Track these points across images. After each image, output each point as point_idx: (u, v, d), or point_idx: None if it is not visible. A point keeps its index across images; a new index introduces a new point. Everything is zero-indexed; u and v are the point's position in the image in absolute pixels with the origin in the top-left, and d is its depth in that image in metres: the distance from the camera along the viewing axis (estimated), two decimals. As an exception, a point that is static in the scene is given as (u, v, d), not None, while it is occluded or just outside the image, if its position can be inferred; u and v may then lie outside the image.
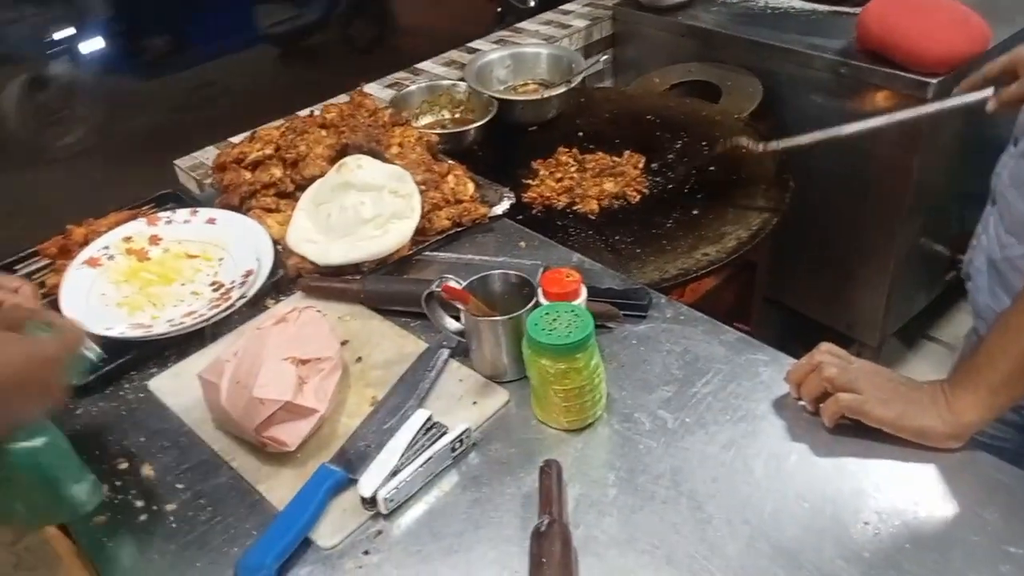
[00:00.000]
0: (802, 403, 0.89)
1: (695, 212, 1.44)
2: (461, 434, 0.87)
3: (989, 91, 1.15)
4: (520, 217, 1.43)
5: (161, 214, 1.25)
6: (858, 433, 0.85)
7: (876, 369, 0.87)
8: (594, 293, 1.07)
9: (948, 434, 0.81)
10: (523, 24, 2.15)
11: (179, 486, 0.88)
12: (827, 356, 0.87)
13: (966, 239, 1.21)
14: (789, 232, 1.80)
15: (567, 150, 1.61)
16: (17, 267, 1.22)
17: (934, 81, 1.62)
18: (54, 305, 1.07)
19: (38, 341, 0.73)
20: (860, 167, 1.82)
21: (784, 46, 1.81)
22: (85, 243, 1.20)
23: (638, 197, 1.48)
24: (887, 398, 0.82)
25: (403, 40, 4.69)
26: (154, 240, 1.21)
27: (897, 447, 0.84)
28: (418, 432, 0.87)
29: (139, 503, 0.87)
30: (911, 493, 0.80)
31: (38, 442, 0.72)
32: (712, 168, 1.55)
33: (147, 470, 0.90)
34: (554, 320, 0.87)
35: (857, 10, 1.76)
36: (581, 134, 1.70)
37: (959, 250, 1.81)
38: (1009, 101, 1.12)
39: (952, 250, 2.06)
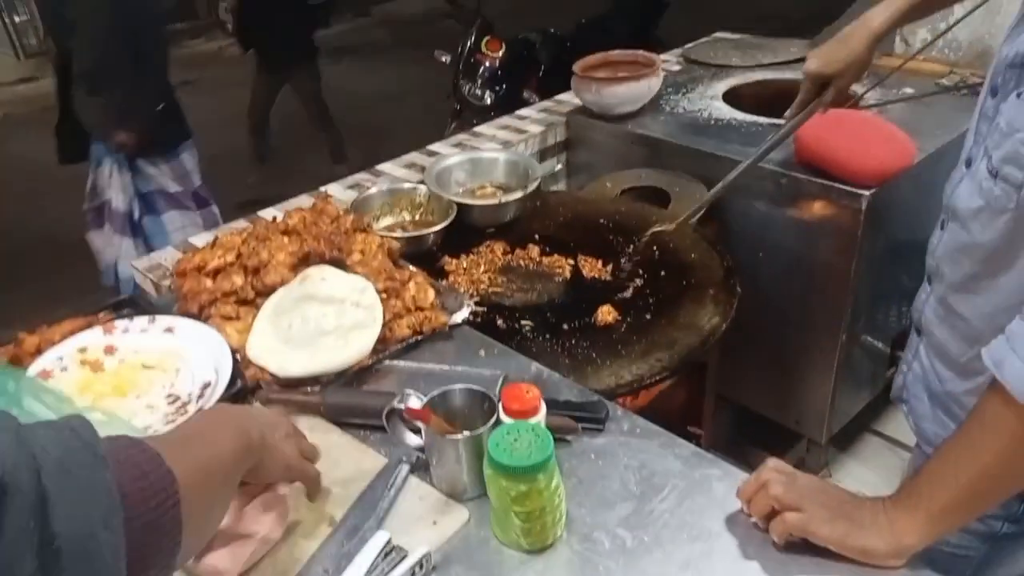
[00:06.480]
0: (753, 520, 0.92)
1: (648, 317, 1.49)
2: (421, 559, 0.86)
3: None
4: (478, 320, 1.46)
5: (118, 322, 1.25)
6: (809, 551, 0.87)
7: (822, 486, 0.90)
8: (553, 405, 1.09)
9: (889, 553, 0.84)
10: (481, 128, 2.23)
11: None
12: (773, 474, 0.90)
13: (905, 337, 1.26)
14: (738, 333, 1.86)
15: (523, 251, 1.67)
16: (-34, 378, 1.19)
17: (867, 193, 1.72)
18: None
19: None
20: (801, 271, 1.91)
21: (728, 156, 1.91)
22: (38, 352, 1.19)
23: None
24: (831, 516, 0.85)
25: (366, 141, 4.86)
26: (109, 350, 1.20)
27: (847, 564, 0.86)
28: (377, 557, 0.86)
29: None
30: (862, 613, 0.82)
31: None
32: (663, 273, 1.61)
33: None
34: (515, 440, 0.89)
35: (794, 124, 1.87)
36: (537, 236, 1.76)
37: (899, 347, 1.89)
38: (831, 104, 1.57)
39: (892, 347, 2.15)
